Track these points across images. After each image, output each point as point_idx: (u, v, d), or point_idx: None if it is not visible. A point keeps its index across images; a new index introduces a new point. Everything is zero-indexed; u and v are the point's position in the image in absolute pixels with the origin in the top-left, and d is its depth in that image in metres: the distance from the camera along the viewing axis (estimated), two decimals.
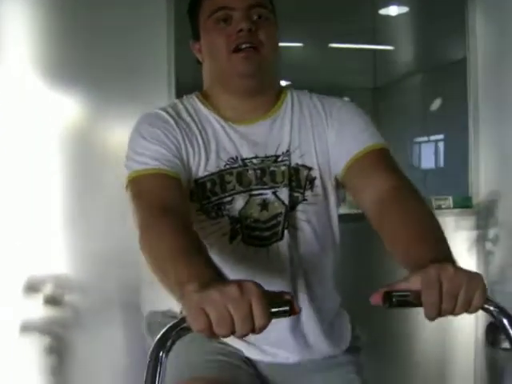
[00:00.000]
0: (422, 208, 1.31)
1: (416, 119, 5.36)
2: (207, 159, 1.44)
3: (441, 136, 5.73)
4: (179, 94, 2.80)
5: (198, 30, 1.50)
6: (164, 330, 0.98)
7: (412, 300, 1.01)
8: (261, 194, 1.45)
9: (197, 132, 1.46)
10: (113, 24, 2.69)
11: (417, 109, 5.28)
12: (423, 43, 5.20)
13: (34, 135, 2.65)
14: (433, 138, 5.75)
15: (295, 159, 1.47)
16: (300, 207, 1.47)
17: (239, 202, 1.44)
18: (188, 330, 0.95)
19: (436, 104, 4.43)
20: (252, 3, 1.43)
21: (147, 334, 1.65)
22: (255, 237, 1.44)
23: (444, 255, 1.12)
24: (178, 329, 0.97)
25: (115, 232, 2.69)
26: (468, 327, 3.15)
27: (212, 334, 0.92)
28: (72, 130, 2.69)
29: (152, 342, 1.61)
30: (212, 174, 1.44)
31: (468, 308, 1.00)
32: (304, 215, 1.47)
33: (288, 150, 1.47)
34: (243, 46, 1.40)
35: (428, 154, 5.78)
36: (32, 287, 2.61)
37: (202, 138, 1.45)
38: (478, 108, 3.25)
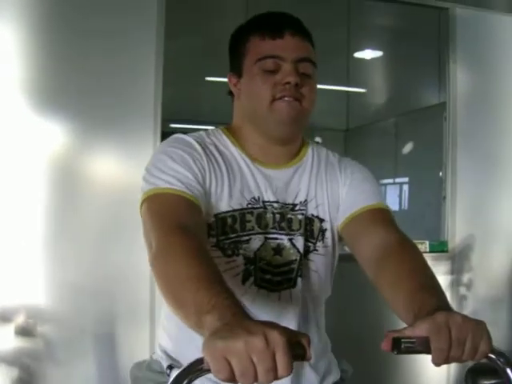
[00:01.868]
0: (422, 262, 1.35)
1: (387, 161, 5.45)
2: (230, 195, 1.43)
3: (406, 179, 5.83)
4: (164, 125, 2.81)
5: (239, 67, 1.50)
6: (181, 370, 0.94)
7: (420, 347, 1.02)
8: (276, 239, 1.45)
9: (223, 166, 1.45)
10: (101, 52, 2.68)
11: (388, 151, 5.37)
12: (396, 87, 5.32)
13: (16, 161, 2.61)
14: (398, 180, 5.84)
15: (311, 210, 1.50)
16: (311, 257, 1.49)
17: (256, 243, 1.43)
18: (206, 371, 0.93)
19: (407, 148, 4.51)
20: (302, 56, 1.44)
21: None
22: (267, 280, 1.44)
23: (446, 304, 1.15)
24: (197, 369, 0.94)
25: (91, 262, 2.67)
26: (441, 371, 3.19)
27: (234, 382, 0.90)
28: (56, 158, 2.66)
29: None
30: (234, 210, 1.43)
31: (474, 355, 1.02)
32: (314, 265, 1.49)
33: (306, 200, 1.50)
34: (287, 99, 1.41)
35: (393, 196, 5.87)
36: (3, 317, 2.55)
37: (228, 174, 1.44)
38: (455, 152, 3.31)
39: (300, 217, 1.48)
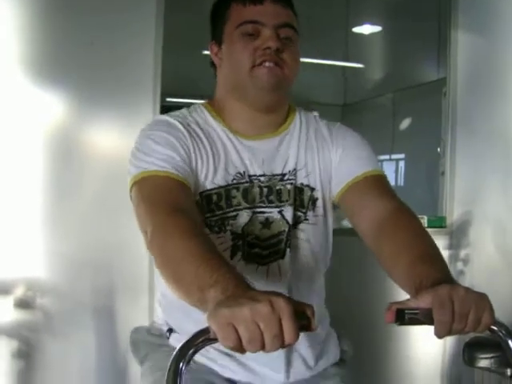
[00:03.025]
0: (421, 230, 1.36)
1: (384, 137, 5.45)
2: (215, 172, 1.43)
3: (402, 155, 5.84)
4: (164, 97, 2.79)
5: (220, 34, 1.49)
6: (186, 340, 0.94)
7: (423, 318, 1.03)
8: (264, 213, 1.45)
9: (207, 144, 1.45)
10: (101, 25, 2.65)
11: (385, 127, 5.36)
12: (395, 63, 5.29)
13: (15, 134, 2.58)
14: (395, 156, 5.85)
15: (300, 179, 1.49)
16: (301, 226, 1.49)
17: (243, 218, 1.44)
18: (213, 340, 0.93)
19: (404, 124, 4.51)
20: (282, 22, 1.43)
21: (132, 350, 1.64)
22: (255, 254, 1.44)
23: (447, 275, 1.17)
24: (203, 338, 0.94)
25: (90, 235, 2.65)
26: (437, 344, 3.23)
27: (241, 351, 0.91)
28: (55, 130, 2.63)
29: (137, 359, 1.58)
30: (219, 187, 1.43)
31: (477, 327, 1.03)
32: (304, 234, 1.49)
33: (294, 169, 1.49)
34: (267, 63, 1.40)
35: (389, 172, 5.89)
36: (2, 289, 2.54)
37: (212, 151, 1.44)
38: (455, 128, 3.30)
39: (289, 186, 1.47)
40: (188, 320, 1.39)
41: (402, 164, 5.92)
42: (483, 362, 2.02)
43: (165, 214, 1.25)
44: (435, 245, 1.31)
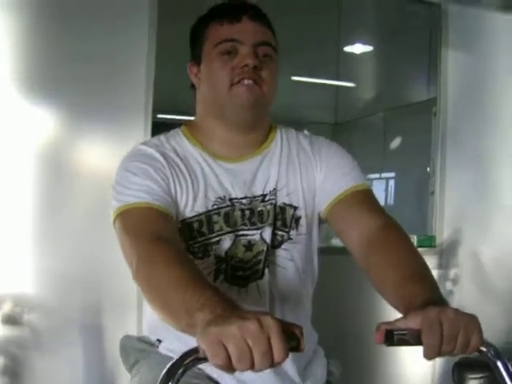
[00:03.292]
0: (409, 248, 1.36)
1: (374, 156, 5.47)
2: (195, 199, 1.42)
3: (392, 174, 5.85)
4: (155, 113, 2.79)
5: (199, 54, 1.49)
6: (176, 359, 0.94)
7: (412, 339, 1.03)
8: (246, 235, 1.45)
9: (185, 171, 1.44)
10: (93, 40, 2.66)
11: (376, 146, 5.38)
12: (386, 82, 5.32)
13: (6, 148, 2.59)
14: (385, 175, 5.86)
15: (281, 198, 1.48)
16: (284, 246, 1.48)
17: (226, 243, 1.43)
18: (203, 360, 0.92)
19: (395, 143, 4.53)
20: (260, 40, 1.43)
21: (121, 356, 1.63)
22: (238, 276, 1.44)
23: (437, 294, 1.17)
24: (192, 358, 0.94)
25: (80, 252, 2.65)
26: (427, 364, 3.22)
27: (230, 369, 0.90)
28: (46, 145, 2.64)
29: (126, 365, 1.59)
30: (200, 214, 1.42)
31: (466, 349, 1.03)
32: (288, 254, 1.48)
33: (275, 189, 1.48)
34: (245, 81, 1.39)
35: (379, 190, 5.90)
36: None
37: (191, 178, 1.44)
38: (445, 147, 3.32)
39: (269, 207, 1.46)
40: (178, 341, 1.38)
41: (391, 183, 5.94)
42: (472, 382, 2.02)
43: (148, 243, 1.25)
44: (425, 263, 1.31)
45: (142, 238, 1.28)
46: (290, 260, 1.48)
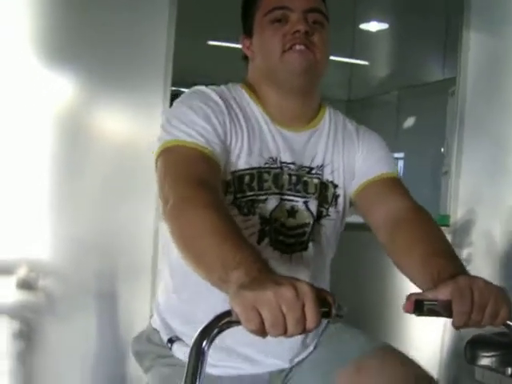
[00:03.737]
0: (436, 227, 1.38)
1: (388, 135, 5.46)
2: (250, 153, 1.41)
3: (401, 154, 5.85)
4: (175, 85, 2.78)
5: (250, 26, 1.48)
6: (210, 321, 0.94)
7: (441, 309, 1.04)
8: (291, 201, 1.45)
9: (243, 123, 1.43)
10: (115, 8, 2.64)
11: (389, 124, 5.36)
12: (401, 61, 5.29)
13: (24, 115, 2.57)
14: (397, 155, 5.86)
15: (326, 175, 1.50)
16: (322, 221, 1.49)
17: (272, 203, 1.42)
18: (235, 323, 0.93)
19: (409, 122, 4.51)
20: (310, 7, 1.43)
21: (136, 360, 1.59)
22: (280, 241, 1.44)
23: (464, 269, 1.18)
24: (225, 321, 0.94)
25: (96, 219, 2.65)
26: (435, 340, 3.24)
27: (263, 334, 0.90)
28: (63, 111, 2.62)
29: (142, 368, 1.54)
30: (252, 168, 1.41)
31: (494, 320, 1.04)
32: (324, 229, 1.49)
33: (322, 165, 1.49)
34: (297, 47, 1.38)
35: None
36: (5, 270, 2.53)
37: (248, 132, 1.42)
38: (462, 128, 3.31)
39: (316, 181, 1.48)
40: (189, 326, 1.38)
41: (401, 163, 5.94)
42: (485, 361, 2.03)
43: (189, 186, 1.22)
44: (449, 242, 1.33)
45: (183, 178, 1.25)
46: (324, 235, 1.50)
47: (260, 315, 0.89)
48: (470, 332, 2.04)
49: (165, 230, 1.52)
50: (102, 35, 2.63)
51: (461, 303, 1.01)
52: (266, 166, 1.43)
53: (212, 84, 1.48)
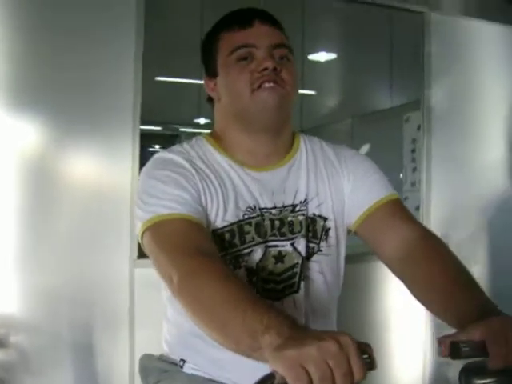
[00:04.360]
0: (453, 255, 1.32)
1: None
2: (225, 209, 1.37)
3: None
4: (144, 124, 2.72)
5: (214, 67, 1.45)
6: None
7: (477, 351, 1.02)
8: (276, 246, 1.41)
9: (214, 180, 1.39)
10: (78, 47, 2.57)
11: None
12: (350, 90, 5.36)
13: None
14: None
15: (312, 209, 1.45)
16: (314, 258, 1.44)
17: (257, 254, 1.38)
18: None
19: (364, 149, 4.56)
20: (275, 42, 1.40)
21: (141, 377, 1.57)
22: (269, 290, 1.39)
23: (490, 303, 1.16)
24: None
25: (67, 268, 2.54)
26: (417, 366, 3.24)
27: None
28: (29, 158, 2.52)
29: None
30: (231, 224, 1.37)
31: None
32: (318, 266, 1.45)
33: (306, 200, 1.44)
34: (267, 84, 1.35)
35: None
36: None
37: (220, 187, 1.38)
38: (430, 154, 3.34)
39: (301, 217, 1.43)
40: (203, 358, 1.36)
41: None
42: None
43: (189, 257, 1.19)
44: (467, 270, 1.28)
45: (181, 251, 1.21)
46: (320, 273, 1.45)
47: (307, 372, 0.85)
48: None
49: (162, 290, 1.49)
50: (67, 78, 2.55)
51: (496, 345, 0.99)
52: (246, 217, 1.38)
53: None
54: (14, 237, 2.51)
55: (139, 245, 2.57)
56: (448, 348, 1.03)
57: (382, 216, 1.44)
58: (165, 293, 1.49)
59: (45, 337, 2.49)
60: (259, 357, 0.94)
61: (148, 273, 2.60)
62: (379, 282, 3.09)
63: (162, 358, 1.51)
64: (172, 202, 1.29)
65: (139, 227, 1.32)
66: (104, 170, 2.63)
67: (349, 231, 1.52)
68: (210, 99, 1.51)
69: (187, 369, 1.42)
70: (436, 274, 1.27)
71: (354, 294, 2.66)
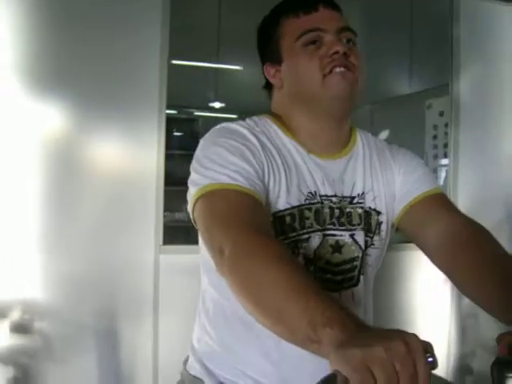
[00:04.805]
0: (501, 247, 1.26)
1: None
2: (288, 191, 1.31)
3: None
4: (180, 112, 2.68)
5: (276, 53, 1.39)
6: None
7: None
8: (334, 235, 1.35)
9: (278, 159, 1.32)
10: (107, 34, 2.53)
11: None
12: (369, 76, 5.31)
13: (13, 147, 2.44)
14: None
15: (368, 202, 1.41)
16: (368, 251, 1.40)
17: (315, 241, 1.32)
18: None
19: (384, 134, 4.51)
20: (343, 26, 1.34)
21: None
22: (327, 280, 1.34)
23: None
24: None
25: (92, 255, 2.52)
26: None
27: None
28: (55, 144, 2.49)
29: None
30: (293, 207, 1.31)
31: None
32: (370, 259, 1.40)
33: (363, 193, 1.40)
34: (338, 69, 1.29)
35: None
36: None
37: (284, 169, 1.32)
38: (457, 142, 3.30)
39: (359, 210, 1.38)
40: (240, 374, 1.30)
41: None
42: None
43: (249, 232, 1.11)
44: None
45: (239, 224, 1.13)
46: (370, 266, 1.40)
47: (373, 375, 0.80)
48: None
49: (203, 275, 1.43)
50: (96, 64, 2.52)
51: None
52: (307, 202, 1.32)
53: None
54: (38, 223, 2.48)
55: (164, 231, 2.60)
56: (506, 347, 1.00)
57: (425, 208, 1.39)
58: (205, 279, 1.42)
59: (69, 323, 2.47)
60: (316, 350, 0.89)
61: (173, 259, 2.63)
62: (404, 271, 3.07)
63: (195, 380, 1.39)
64: (236, 173, 1.22)
65: (193, 192, 1.24)
66: (130, 155, 2.59)
67: (392, 225, 1.48)
68: (268, 86, 1.45)
69: None
70: (486, 265, 1.21)
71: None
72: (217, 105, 6.17)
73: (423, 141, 4.03)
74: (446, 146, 3.76)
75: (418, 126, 4.13)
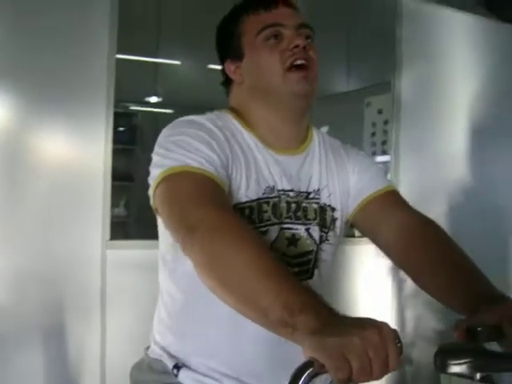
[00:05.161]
0: (455, 243, 1.33)
1: None
2: (248, 184, 1.33)
3: None
4: (117, 107, 2.66)
5: (237, 49, 1.41)
6: (292, 377, 0.86)
7: (493, 334, 1.04)
8: (290, 229, 1.39)
9: (240, 154, 1.35)
10: (53, 27, 2.48)
11: None
12: None
13: None
14: None
15: (323, 199, 1.45)
16: (323, 247, 1.44)
17: (272, 234, 1.36)
18: (319, 374, 0.86)
19: (323, 130, 4.59)
20: (301, 22, 1.39)
21: None
22: None
23: (496, 289, 1.18)
24: (306, 375, 0.86)
25: (36, 248, 2.48)
26: None
27: (349, 381, 0.85)
28: (2, 137, 2.43)
29: None
30: (252, 200, 1.34)
31: None
32: (324, 255, 1.44)
33: (318, 189, 1.45)
34: (298, 62, 1.34)
35: None
36: None
37: (245, 162, 1.35)
38: (398, 140, 3.37)
39: (315, 206, 1.42)
40: (199, 356, 1.32)
41: None
42: (455, 368, 2.08)
43: (217, 209, 1.12)
44: (467, 255, 1.28)
45: (209, 202, 1.14)
46: (325, 261, 1.44)
47: (348, 362, 0.84)
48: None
49: (160, 269, 1.44)
50: (37, 55, 2.47)
51: None
52: (264, 196, 1.36)
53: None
54: None
55: (111, 227, 2.57)
56: (464, 332, 1.04)
57: (379, 205, 1.45)
58: (162, 273, 1.43)
59: (12, 319, 2.41)
60: (289, 335, 0.91)
61: (120, 254, 2.61)
62: (345, 265, 3.14)
63: (153, 367, 1.42)
64: (202, 158, 1.23)
65: (156, 174, 1.24)
66: (76, 149, 2.56)
67: (346, 222, 1.53)
68: (226, 82, 1.47)
69: (183, 377, 1.34)
70: (438, 260, 1.27)
71: None
72: (153, 99, 6.13)
73: (362, 138, 4.11)
74: (384, 143, 3.86)
75: (356, 123, 4.22)
